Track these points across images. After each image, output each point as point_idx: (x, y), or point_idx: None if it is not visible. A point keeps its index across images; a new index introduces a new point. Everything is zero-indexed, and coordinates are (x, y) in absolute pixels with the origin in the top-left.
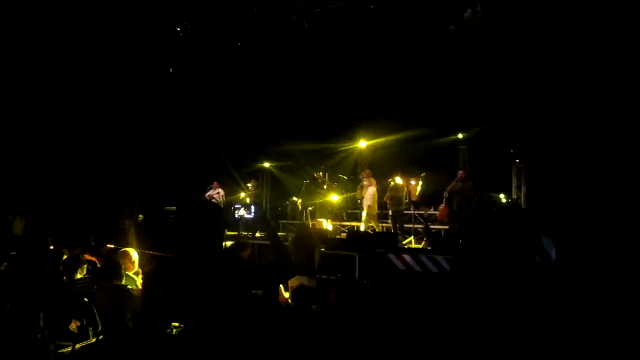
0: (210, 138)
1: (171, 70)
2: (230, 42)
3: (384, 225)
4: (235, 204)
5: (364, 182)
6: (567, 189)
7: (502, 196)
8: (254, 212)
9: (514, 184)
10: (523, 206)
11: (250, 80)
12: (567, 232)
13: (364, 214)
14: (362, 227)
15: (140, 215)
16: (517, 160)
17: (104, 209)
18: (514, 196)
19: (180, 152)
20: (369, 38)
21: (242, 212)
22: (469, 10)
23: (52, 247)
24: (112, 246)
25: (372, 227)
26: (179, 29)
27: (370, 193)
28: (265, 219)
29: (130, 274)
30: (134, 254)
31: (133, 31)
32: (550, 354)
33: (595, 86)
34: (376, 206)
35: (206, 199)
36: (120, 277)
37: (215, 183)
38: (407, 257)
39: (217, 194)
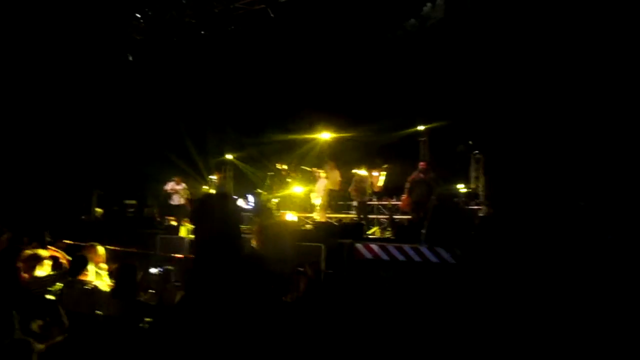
0: (171, 128)
1: (131, 58)
2: (193, 30)
3: (349, 215)
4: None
5: (316, 174)
6: (525, 179)
7: (460, 186)
8: (255, 204)
9: (472, 174)
10: (481, 196)
11: (213, 69)
12: (525, 220)
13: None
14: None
15: (99, 209)
16: (476, 151)
17: (58, 203)
18: (472, 186)
19: (139, 144)
20: (330, 30)
21: (240, 202)
22: (429, 4)
23: (6, 244)
24: (69, 241)
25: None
26: (139, 16)
27: (319, 185)
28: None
29: (98, 269)
30: (100, 248)
31: (89, 18)
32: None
33: (552, 77)
34: (326, 198)
35: (167, 192)
36: (88, 273)
37: (177, 178)
38: (374, 247)
39: (180, 187)
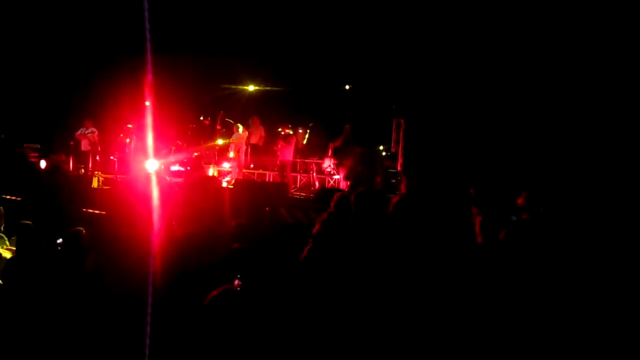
0: (83, 68)
1: None
2: None
3: (273, 172)
4: None
5: (233, 128)
6: (441, 151)
7: (381, 148)
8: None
9: (393, 138)
10: (399, 158)
11: (129, 7)
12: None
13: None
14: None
15: None
16: (398, 116)
17: None
18: (392, 150)
19: (46, 82)
20: None
21: None
22: None
23: None
24: None
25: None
26: None
27: (234, 139)
28: None
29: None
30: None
31: None
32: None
33: (477, 50)
34: (241, 154)
35: (75, 138)
36: None
37: (87, 121)
38: (297, 211)
39: (90, 132)
